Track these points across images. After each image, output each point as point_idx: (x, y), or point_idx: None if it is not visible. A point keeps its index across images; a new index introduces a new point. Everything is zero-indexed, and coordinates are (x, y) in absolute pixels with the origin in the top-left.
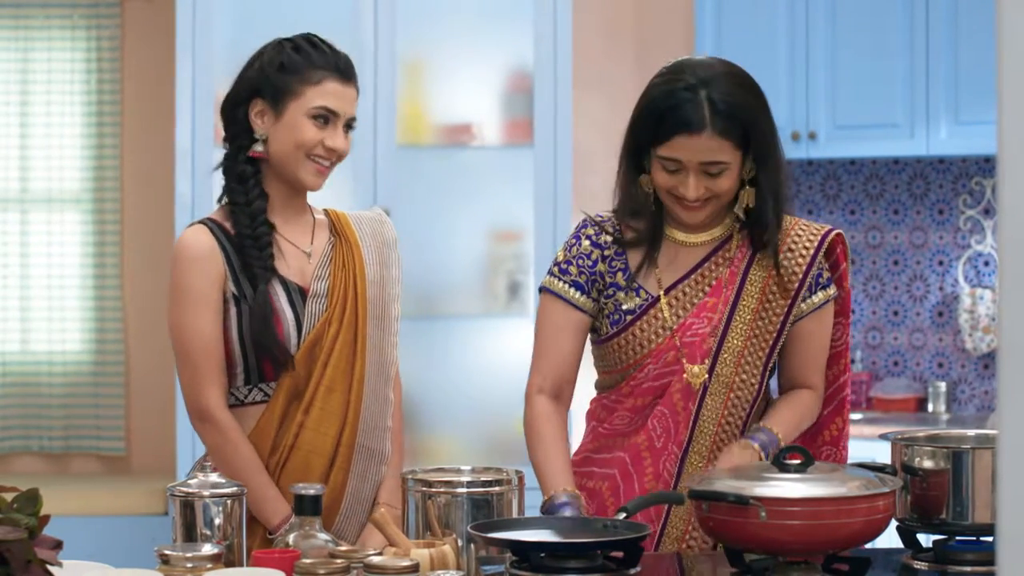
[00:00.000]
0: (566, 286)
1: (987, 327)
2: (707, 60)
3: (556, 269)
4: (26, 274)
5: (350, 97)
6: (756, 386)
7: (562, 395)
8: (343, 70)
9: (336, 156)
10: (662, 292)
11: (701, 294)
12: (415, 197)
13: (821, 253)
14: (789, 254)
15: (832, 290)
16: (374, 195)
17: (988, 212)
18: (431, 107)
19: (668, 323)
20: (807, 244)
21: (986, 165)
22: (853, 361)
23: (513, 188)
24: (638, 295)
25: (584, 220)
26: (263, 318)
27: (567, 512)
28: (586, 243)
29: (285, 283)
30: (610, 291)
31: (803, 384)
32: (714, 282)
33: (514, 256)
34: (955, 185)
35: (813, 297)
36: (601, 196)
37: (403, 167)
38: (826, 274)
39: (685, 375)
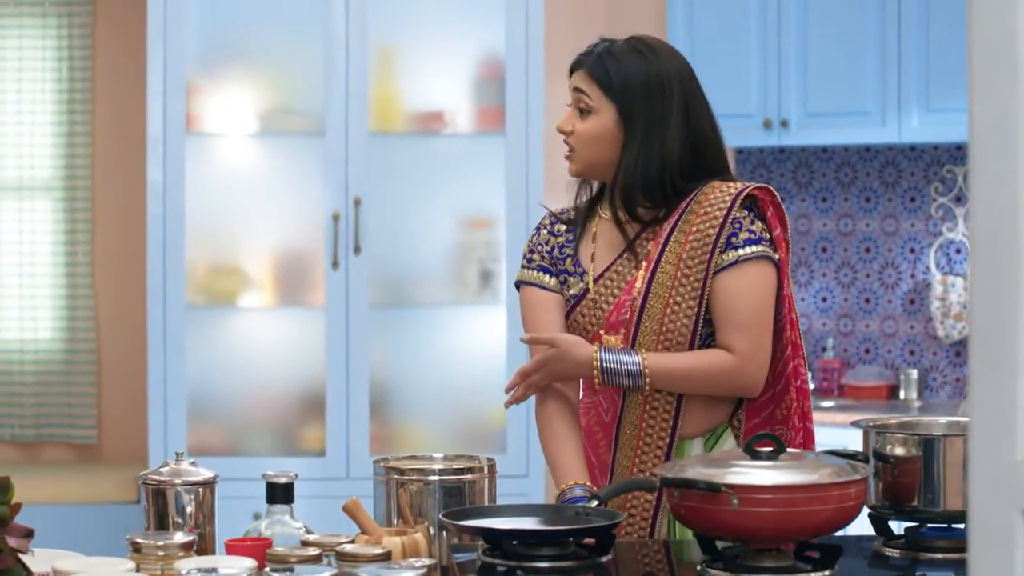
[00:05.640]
0: (534, 272)
1: (958, 314)
2: (642, 36)
3: (524, 261)
4: None
5: None
6: None
7: None
8: None
9: None
10: (591, 279)
11: (635, 271)
12: (387, 184)
13: (734, 211)
14: (705, 216)
15: (750, 250)
16: (346, 183)
17: (959, 199)
18: (403, 94)
19: (601, 306)
20: (721, 206)
21: (957, 152)
22: (825, 349)
23: (485, 175)
24: (581, 279)
25: (546, 213)
26: None
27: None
28: (543, 232)
29: None
30: (562, 277)
31: (723, 346)
32: (644, 259)
33: (486, 244)
34: (926, 172)
35: (724, 255)
36: (573, 184)
37: (375, 154)
38: (743, 235)
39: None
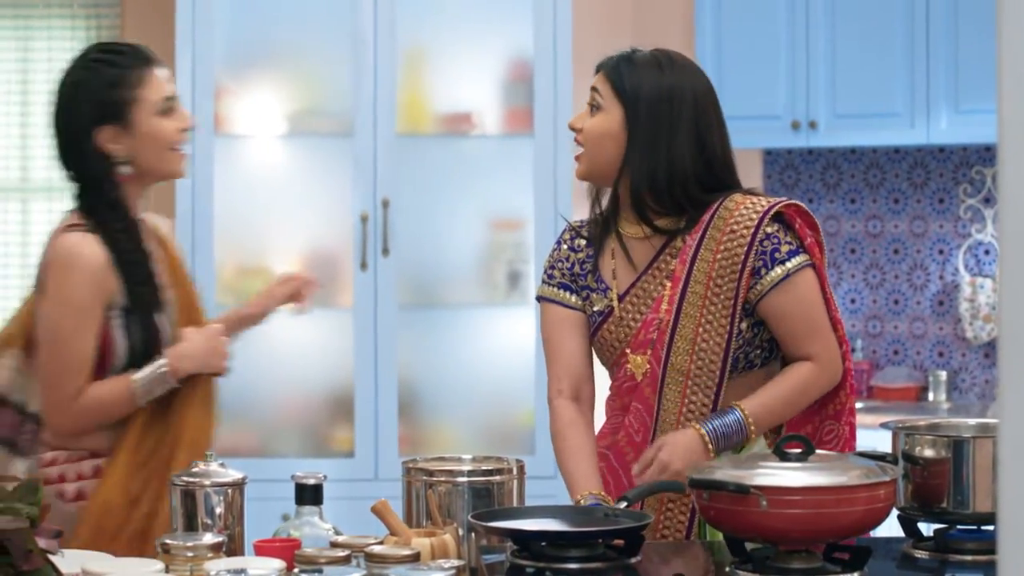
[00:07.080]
0: (555, 289)
1: (987, 316)
2: (668, 51)
3: (545, 276)
4: (26, 263)
5: (168, 75)
6: (716, 373)
7: (581, 395)
8: (150, 56)
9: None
10: (616, 297)
11: (660, 288)
12: (415, 186)
13: (761, 230)
14: (732, 235)
15: (796, 261)
16: (374, 184)
17: (988, 201)
18: (431, 96)
19: (628, 323)
20: (748, 224)
21: (986, 154)
22: (854, 350)
23: (513, 177)
24: (605, 296)
25: (566, 226)
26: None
27: None
28: (564, 247)
29: None
30: (584, 293)
31: (800, 356)
32: (670, 275)
33: (514, 245)
34: (955, 174)
35: (771, 272)
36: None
37: (403, 156)
38: (784, 248)
39: (629, 364)
